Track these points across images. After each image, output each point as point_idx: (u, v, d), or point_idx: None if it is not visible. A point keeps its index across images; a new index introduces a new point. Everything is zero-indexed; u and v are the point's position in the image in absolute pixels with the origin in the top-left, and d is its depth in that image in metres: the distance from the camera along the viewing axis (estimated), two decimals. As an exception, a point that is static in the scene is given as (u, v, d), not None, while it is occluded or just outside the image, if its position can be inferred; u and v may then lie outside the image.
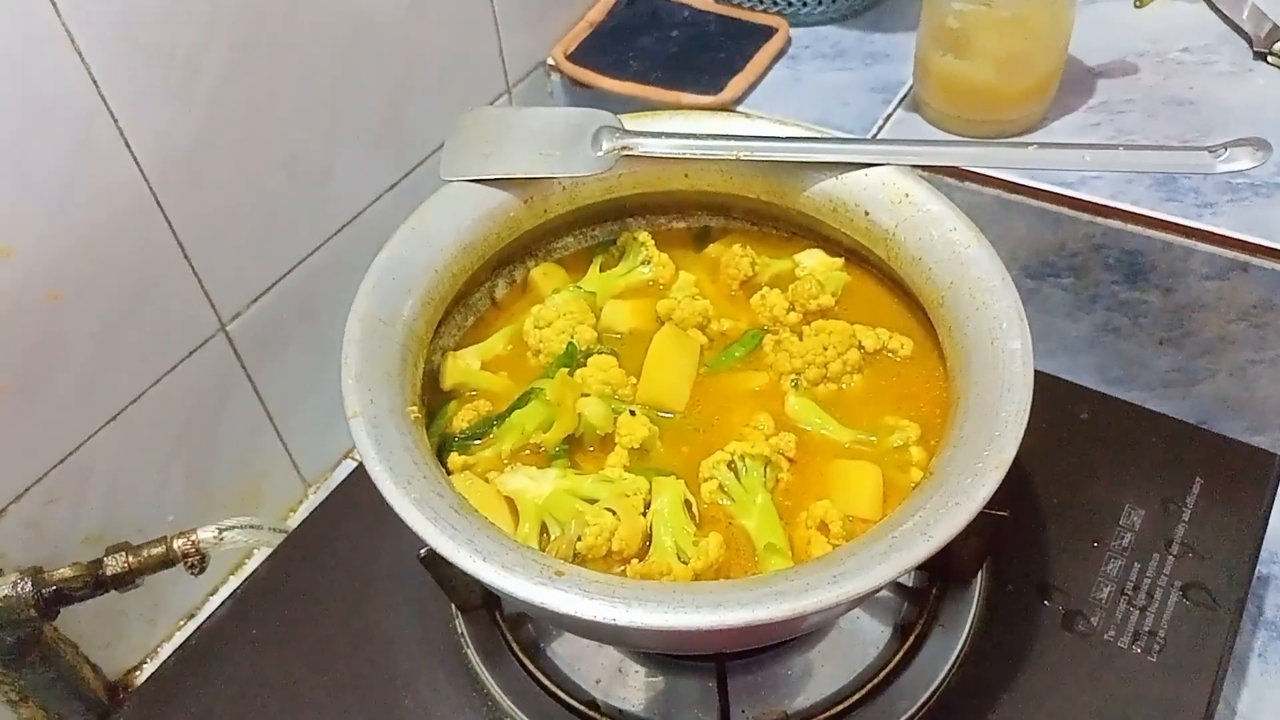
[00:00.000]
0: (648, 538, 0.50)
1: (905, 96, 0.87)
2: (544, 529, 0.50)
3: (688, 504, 0.51)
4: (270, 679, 0.60)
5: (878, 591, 0.46)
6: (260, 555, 0.75)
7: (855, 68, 0.90)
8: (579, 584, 0.42)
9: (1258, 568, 0.74)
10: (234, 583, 0.81)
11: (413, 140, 0.83)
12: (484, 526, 0.45)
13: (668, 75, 0.89)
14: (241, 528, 0.69)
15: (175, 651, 0.64)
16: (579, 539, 0.48)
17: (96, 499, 0.70)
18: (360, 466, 0.68)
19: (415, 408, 0.50)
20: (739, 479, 0.51)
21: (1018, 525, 0.62)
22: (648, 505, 0.50)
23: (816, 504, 0.50)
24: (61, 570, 0.64)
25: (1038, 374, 0.71)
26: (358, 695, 0.59)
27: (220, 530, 0.67)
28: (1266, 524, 0.63)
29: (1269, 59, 0.84)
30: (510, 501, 0.51)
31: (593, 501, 0.50)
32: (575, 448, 0.54)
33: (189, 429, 0.75)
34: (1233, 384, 0.79)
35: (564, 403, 0.53)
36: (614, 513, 0.49)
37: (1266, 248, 0.71)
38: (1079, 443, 0.66)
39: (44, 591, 0.64)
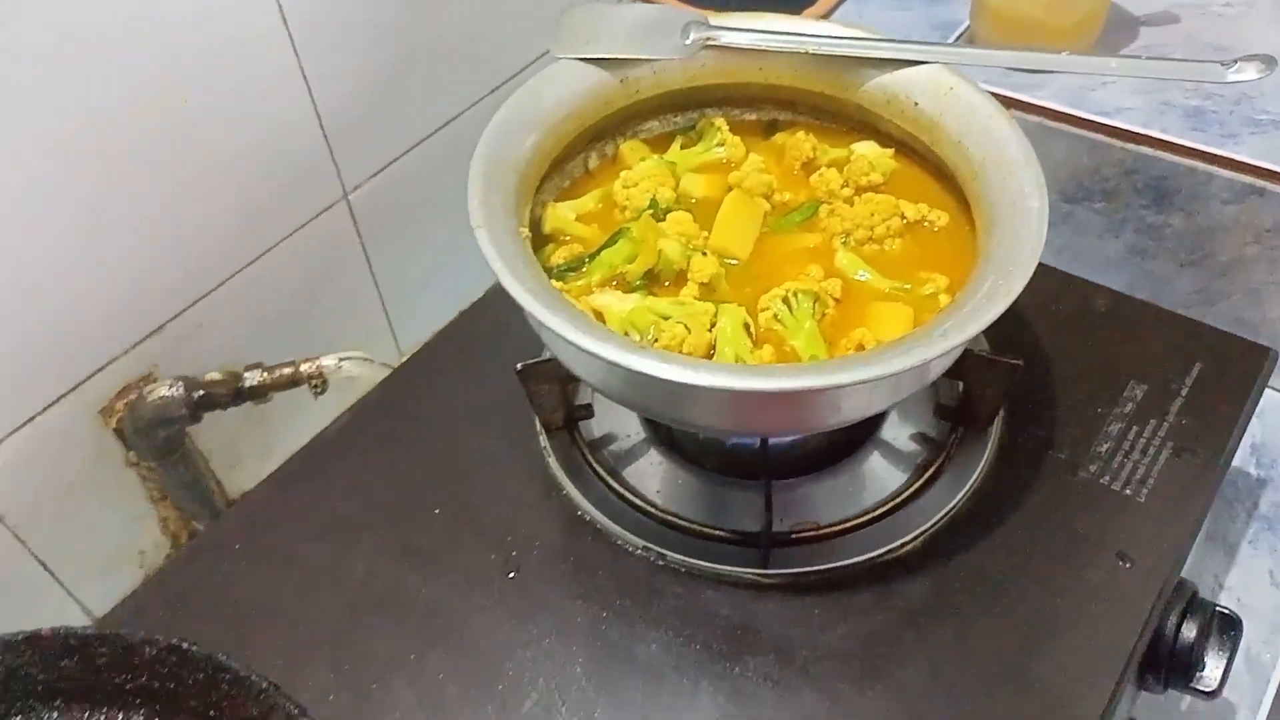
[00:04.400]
0: (711, 349, 0.59)
1: (961, 34, 0.95)
2: (626, 336, 0.60)
3: (746, 326, 0.60)
4: (371, 487, 0.70)
5: (899, 393, 0.55)
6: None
7: (916, 7, 0.99)
8: (656, 355, 0.52)
9: (1256, 471, 0.82)
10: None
11: (517, 49, 0.93)
12: (580, 313, 0.55)
13: (745, 6, 0.98)
14: (356, 360, 0.80)
15: (296, 454, 0.74)
16: (655, 341, 0.58)
17: (234, 330, 0.81)
18: (458, 318, 0.79)
19: (525, 229, 0.61)
20: (791, 311, 0.61)
21: (1032, 388, 0.71)
22: (713, 326, 0.60)
23: (855, 330, 0.59)
24: (211, 375, 0.76)
25: (1062, 272, 0.79)
26: (449, 499, 0.69)
27: (340, 359, 0.79)
28: (1256, 403, 0.71)
29: (1307, 13, 0.91)
30: (598, 314, 0.61)
31: (667, 318, 0.60)
32: (652, 282, 0.64)
33: (308, 285, 0.86)
34: (1247, 304, 0.87)
35: (647, 240, 0.63)
36: (686, 327, 0.59)
37: (1282, 173, 0.79)
38: (1093, 328, 0.75)
39: (194, 395, 0.75)
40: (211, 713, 0.49)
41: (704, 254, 0.63)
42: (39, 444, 0.72)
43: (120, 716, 0.50)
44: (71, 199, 0.67)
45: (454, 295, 0.84)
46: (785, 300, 0.61)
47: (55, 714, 0.50)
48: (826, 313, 0.62)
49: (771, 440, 0.66)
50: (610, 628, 0.62)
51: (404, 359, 0.87)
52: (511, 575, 0.65)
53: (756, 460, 0.67)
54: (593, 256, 0.64)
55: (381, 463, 0.72)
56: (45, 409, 0.71)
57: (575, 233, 0.68)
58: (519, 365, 0.67)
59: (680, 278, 0.64)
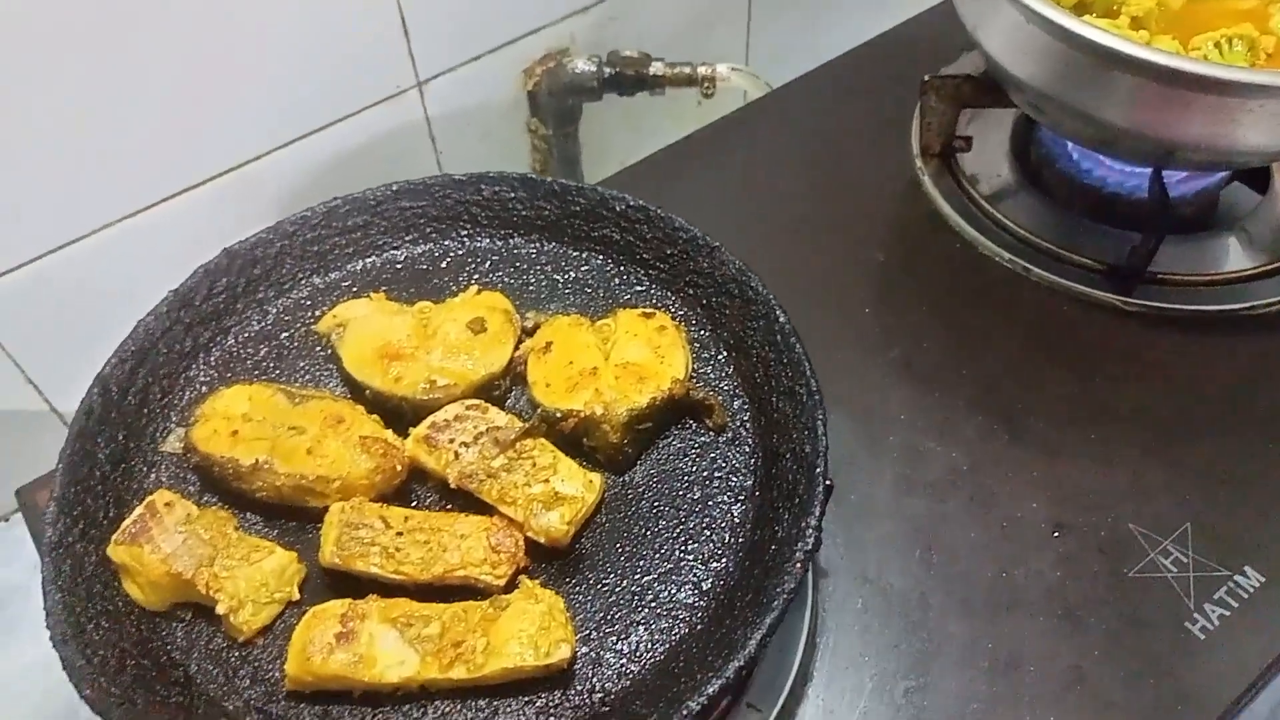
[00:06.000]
0: (1140, 69, 0.62)
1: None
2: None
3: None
4: (753, 181, 0.77)
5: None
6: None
7: None
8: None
9: None
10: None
11: None
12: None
13: None
14: (745, 73, 0.87)
15: (700, 131, 0.82)
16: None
17: (631, 31, 0.89)
18: (832, 62, 0.83)
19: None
20: (1222, 54, 0.63)
21: None
22: (1143, 51, 0.63)
23: (1289, 75, 0.61)
24: (627, 53, 0.84)
25: None
26: (823, 196, 0.76)
27: (732, 68, 0.86)
28: None
29: None
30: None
31: (1101, 35, 0.63)
32: (1081, 11, 0.67)
33: (696, 20, 0.93)
34: None
35: (1090, -32, 0.66)
36: (1119, 43, 0.62)
37: None
38: None
39: (605, 71, 0.84)
40: (660, 264, 0.58)
41: (1141, -9, 0.66)
42: (474, 83, 0.82)
43: (582, 255, 0.59)
44: None
45: (805, 63, 0.89)
46: (1218, 44, 0.63)
47: (530, 244, 0.59)
48: (1257, 63, 0.63)
49: (1164, 177, 0.68)
50: (970, 313, 0.67)
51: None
52: (882, 259, 0.71)
53: (1130, 208, 0.70)
54: (1026, -18, 0.68)
55: (761, 160, 0.79)
56: (488, 52, 0.82)
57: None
58: (925, 76, 0.72)
59: (1110, 12, 0.67)
